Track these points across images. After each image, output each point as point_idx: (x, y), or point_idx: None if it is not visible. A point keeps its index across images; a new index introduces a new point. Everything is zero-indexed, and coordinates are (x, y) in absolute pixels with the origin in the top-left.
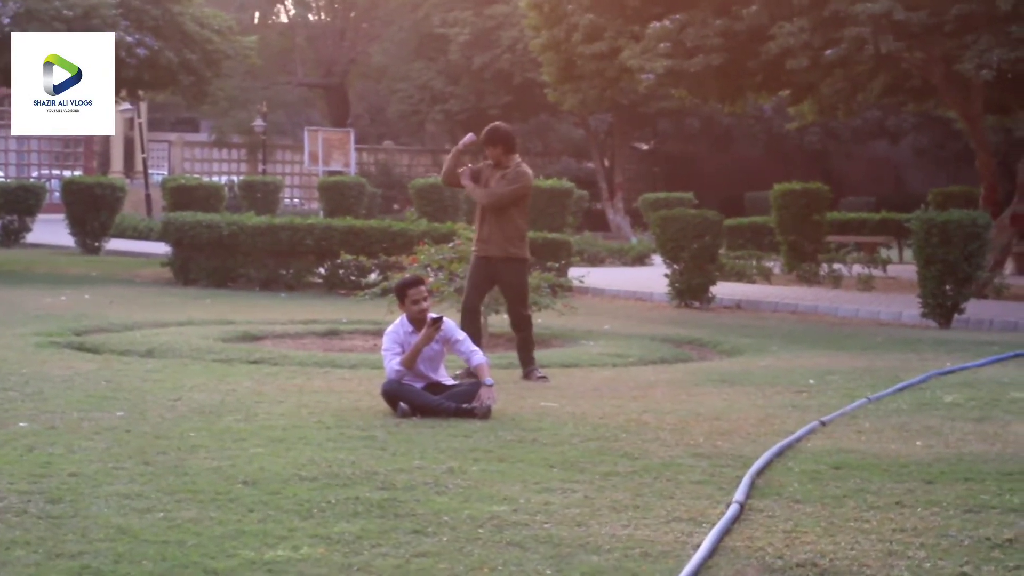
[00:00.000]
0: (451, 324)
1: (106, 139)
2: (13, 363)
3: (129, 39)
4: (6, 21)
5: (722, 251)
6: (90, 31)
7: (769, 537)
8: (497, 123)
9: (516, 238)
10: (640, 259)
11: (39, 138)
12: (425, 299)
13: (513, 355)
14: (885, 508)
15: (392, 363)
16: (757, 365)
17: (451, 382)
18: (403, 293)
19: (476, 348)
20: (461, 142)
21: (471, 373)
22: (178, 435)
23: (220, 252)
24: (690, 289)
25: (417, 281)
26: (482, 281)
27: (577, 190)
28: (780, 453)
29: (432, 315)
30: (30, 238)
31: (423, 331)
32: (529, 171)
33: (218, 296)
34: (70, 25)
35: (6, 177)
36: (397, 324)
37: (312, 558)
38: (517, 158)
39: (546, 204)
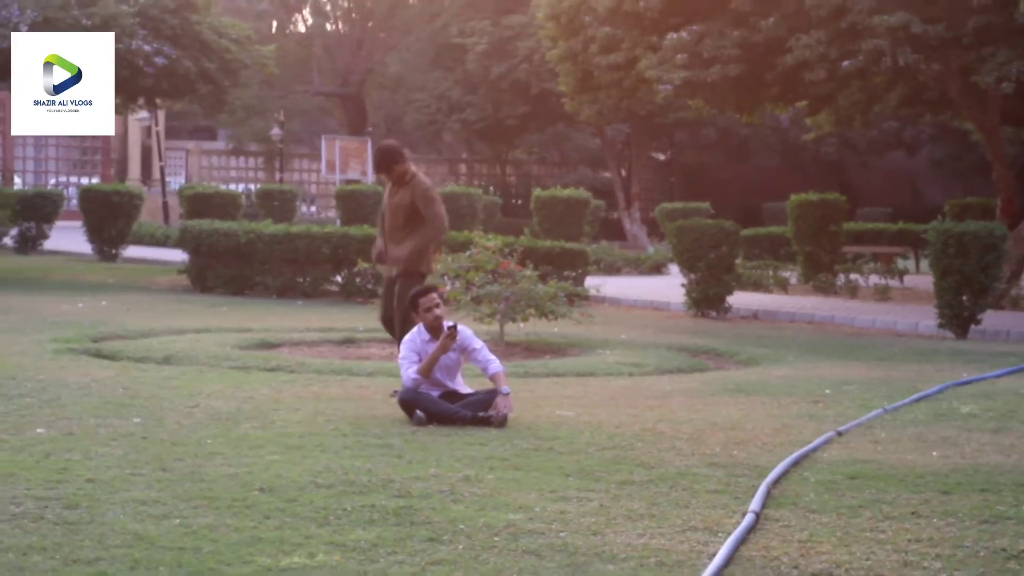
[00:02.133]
0: (468, 332)
1: (124, 147)
2: (31, 369)
3: (147, 48)
4: (24, 28)
5: (739, 261)
6: None
7: (785, 547)
8: (384, 144)
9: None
10: (657, 269)
11: (56, 145)
12: (438, 306)
13: (530, 363)
14: (901, 518)
15: (409, 371)
16: (773, 375)
17: (468, 390)
18: (415, 303)
19: (493, 357)
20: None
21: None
22: (195, 442)
23: (237, 260)
24: (707, 299)
25: (428, 290)
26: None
27: (594, 200)
28: (796, 463)
29: (448, 323)
30: (48, 245)
31: (440, 340)
32: (427, 180)
33: (235, 304)
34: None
35: (24, 184)
36: (415, 332)
37: (328, 565)
38: (411, 167)
39: (563, 214)
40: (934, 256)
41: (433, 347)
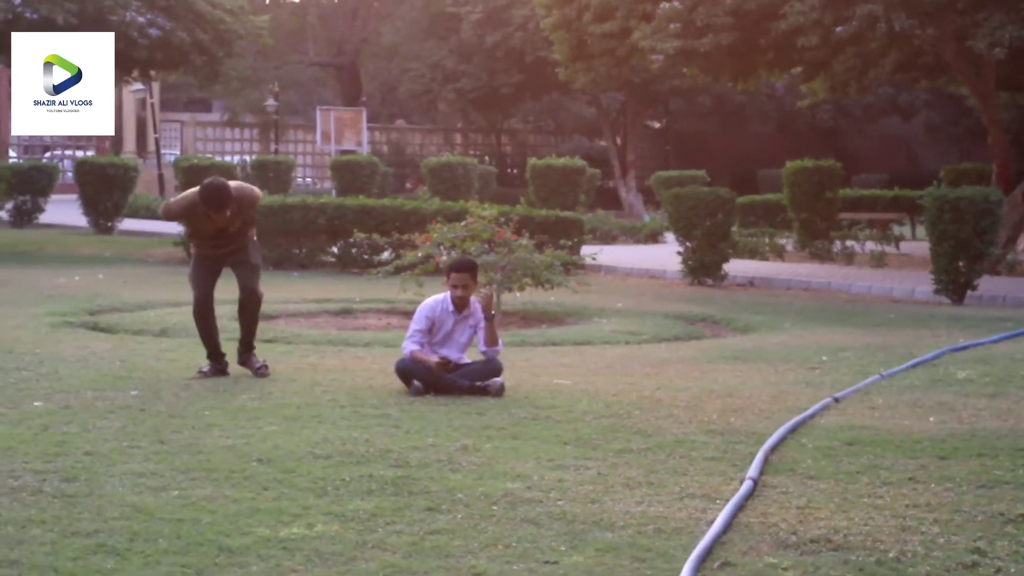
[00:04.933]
0: (480, 313)
1: (118, 119)
2: (27, 343)
3: (141, 19)
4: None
5: (735, 228)
6: (102, 13)
7: (783, 513)
8: (217, 184)
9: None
10: (653, 237)
11: None
12: (466, 286)
13: (527, 333)
14: (898, 484)
15: (410, 346)
16: (770, 342)
17: (465, 360)
18: (447, 274)
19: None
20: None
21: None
22: (193, 414)
23: None
24: (703, 267)
25: (465, 267)
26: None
27: (589, 168)
28: (793, 429)
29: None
30: (43, 218)
31: (459, 316)
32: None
33: (230, 275)
34: (83, 5)
35: (19, 158)
36: (440, 299)
37: (327, 535)
38: None
39: (559, 183)
40: (930, 222)
41: (453, 319)
